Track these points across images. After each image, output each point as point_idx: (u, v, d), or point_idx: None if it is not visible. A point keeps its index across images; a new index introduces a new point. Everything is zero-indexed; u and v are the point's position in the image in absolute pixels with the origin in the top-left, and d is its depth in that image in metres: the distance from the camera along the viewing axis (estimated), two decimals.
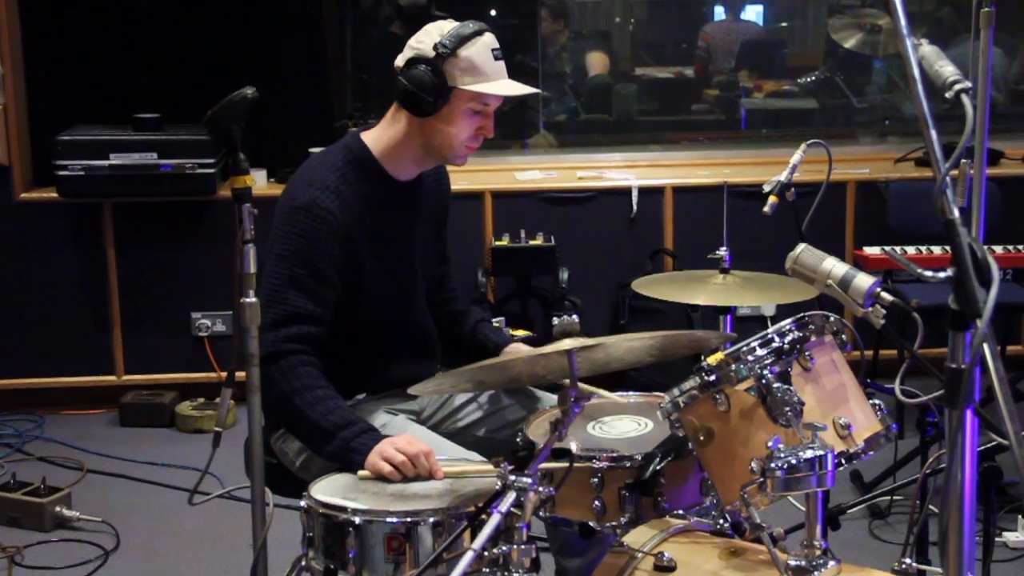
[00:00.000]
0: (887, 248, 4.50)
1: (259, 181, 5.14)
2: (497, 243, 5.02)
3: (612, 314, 5.12)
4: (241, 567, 3.79)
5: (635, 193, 5.20)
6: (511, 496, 2.03)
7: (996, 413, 1.57)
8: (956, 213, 1.53)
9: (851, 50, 6.65)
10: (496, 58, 2.69)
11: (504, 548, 2.06)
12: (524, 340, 3.07)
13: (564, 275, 5.01)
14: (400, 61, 2.70)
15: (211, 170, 4.98)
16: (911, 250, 4.45)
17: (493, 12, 6.41)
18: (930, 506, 3.90)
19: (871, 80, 6.97)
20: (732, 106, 7.03)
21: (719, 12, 7.88)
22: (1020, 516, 3.78)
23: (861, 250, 4.43)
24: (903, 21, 1.64)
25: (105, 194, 5.03)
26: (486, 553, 2.03)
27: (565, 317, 2.24)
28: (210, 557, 3.89)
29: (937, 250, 4.42)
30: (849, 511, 3.23)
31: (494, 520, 2.00)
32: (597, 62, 7.36)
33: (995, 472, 2.70)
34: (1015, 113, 6.56)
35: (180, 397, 5.14)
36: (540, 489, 2.06)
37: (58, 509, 4.05)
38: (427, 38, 2.68)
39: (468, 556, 1.95)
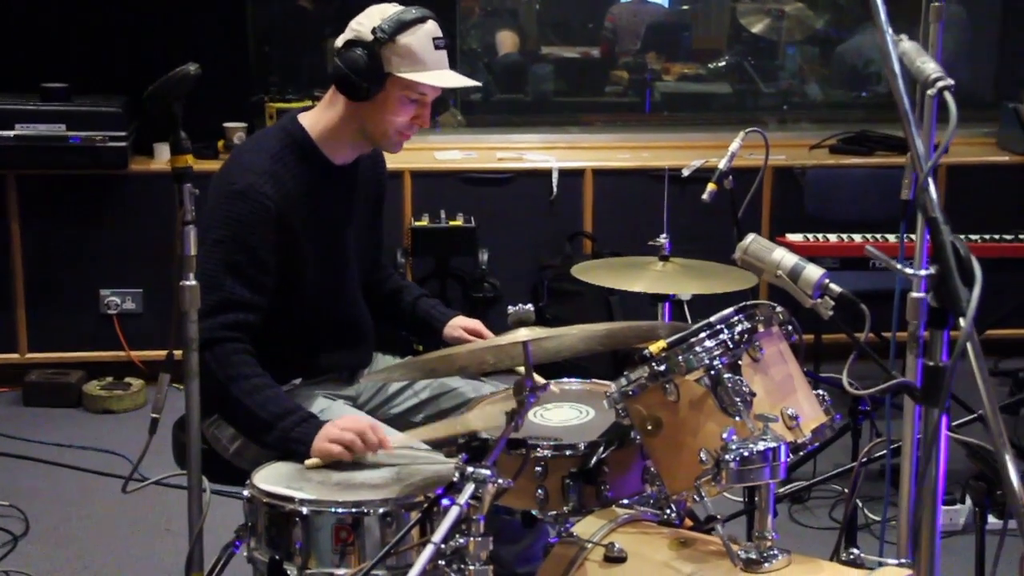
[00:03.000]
0: (842, 236, 4.53)
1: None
2: (417, 223, 4.97)
3: (531, 296, 5.11)
4: (158, 550, 3.72)
5: (555, 175, 5.18)
6: (470, 487, 2.00)
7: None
8: (939, 211, 1.53)
9: (756, 35, 6.71)
10: (437, 47, 2.63)
11: (460, 540, 2.03)
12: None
13: (484, 256, 4.98)
14: (339, 42, 2.64)
15: (123, 143, 4.84)
16: (832, 238, 4.49)
17: None
18: (847, 490, 3.99)
19: (783, 66, 7.04)
20: (646, 89, 7.05)
21: None
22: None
23: (784, 236, 4.46)
24: (883, 16, 1.63)
25: (9, 166, 4.85)
26: (442, 545, 1.99)
27: (520, 306, 2.22)
28: (125, 541, 3.79)
29: (857, 238, 4.46)
30: None
31: (454, 512, 1.96)
32: (507, 40, 7.32)
33: None
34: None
35: (87, 376, 4.99)
36: (500, 480, 2.03)
37: None
38: (367, 21, 2.61)
39: (429, 549, 1.91)
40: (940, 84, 1.57)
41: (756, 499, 3.06)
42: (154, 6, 5.19)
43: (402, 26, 2.58)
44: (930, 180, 1.55)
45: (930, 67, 1.59)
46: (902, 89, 1.60)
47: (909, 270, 1.58)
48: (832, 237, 4.48)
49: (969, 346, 1.45)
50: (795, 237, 4.44)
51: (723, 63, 7.27)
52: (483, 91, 6.64)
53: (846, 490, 4.00)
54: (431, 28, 2.62)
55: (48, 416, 4.81)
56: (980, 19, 6.40)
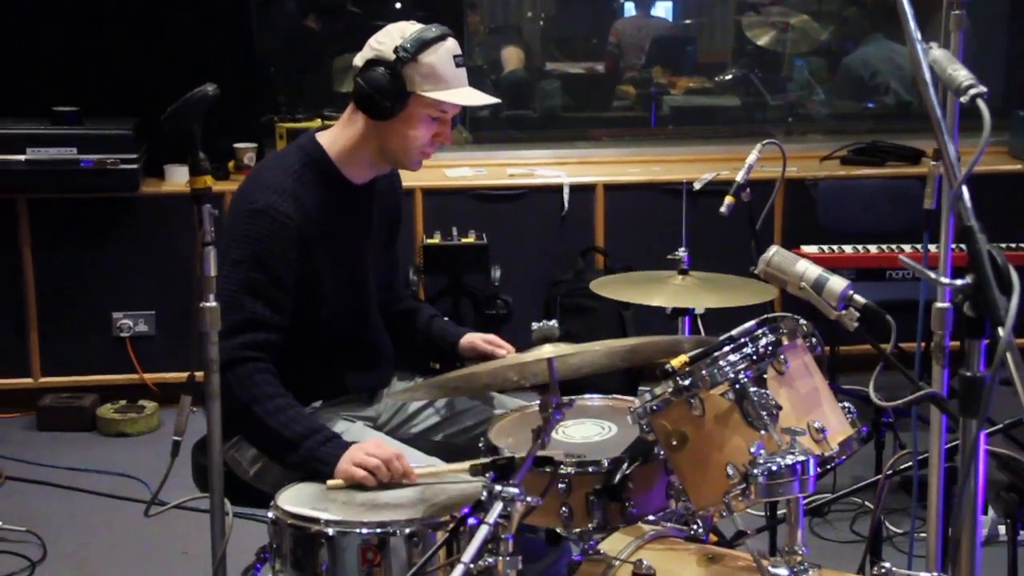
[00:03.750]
0: (858, 248, 4.51)
1: (183, 177, 5.00)
2: (429, 241, 4.95)
3: (543, 312, 5.09)
4: (177, 575, 3.70)
5: (566, 191, 5.18)
6: (498, 506, 1.98)
7: None
8: (973, 219, 1.51)
9: (762, 47, 6.71)
10: (457, 65, 2.62)
11: (489, 560, 2.01)
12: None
13: (496, 273, 4.96)
14: (359, 61, 2.63)
15: (134, 166, 4.84)
16: (848, 249, 4.47)
17: (398, 5, 6.31)
18: (867, 503, 3.96)
19: (790, 78, 7.04)
20: (652, 103, 7.06)
21: (629, 8, 7.91)
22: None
23: (799, 248, 4.44)
24: (912, 24, 1.62)
25: (21, 190, 4.85)
26: (471, 565, 1.98)
27: (545, 322, 2.21)
28: (143, 566, 3.77)
29: (873, 249, 4.45)
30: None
31: (483, 531, 1.94)
32: (512, 57, 7.32)
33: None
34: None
35: (101, 400, 4.98)
36: (528, 499, 2.02)
37: None
38: (388, 40, 2.60)
39: (460, 569, 1.89)
40: (973, 91, 1.56)
41: (784, 513, 3.06)
42: (162, 29, 5.19)
43: (424, 45, 2.57)
44: (964, 188, 1.53)
45: (962, 75, 1.58)
46: (934, 98, 1.59)
47: (945, 280, 1.56)
48: (848, 248, 4.46)
49: (1009, 355, 1.43)
50: (810, 249, 4.42)
51: (729, 76, 7.28)
52: (490, 108, 6.65)
53: (867, 503, 3.97)
54: (451, 46, 2.62)
55: (62, 440, 4.79)
56: (988, 28, 6.39)
